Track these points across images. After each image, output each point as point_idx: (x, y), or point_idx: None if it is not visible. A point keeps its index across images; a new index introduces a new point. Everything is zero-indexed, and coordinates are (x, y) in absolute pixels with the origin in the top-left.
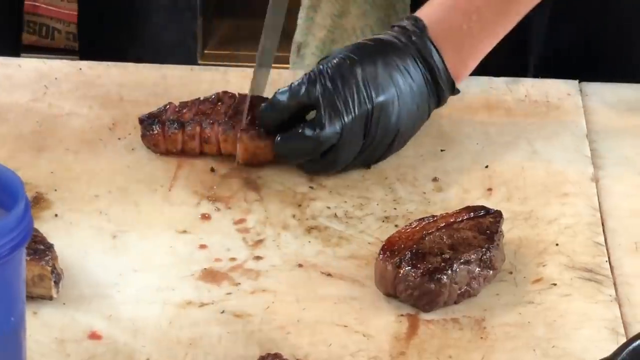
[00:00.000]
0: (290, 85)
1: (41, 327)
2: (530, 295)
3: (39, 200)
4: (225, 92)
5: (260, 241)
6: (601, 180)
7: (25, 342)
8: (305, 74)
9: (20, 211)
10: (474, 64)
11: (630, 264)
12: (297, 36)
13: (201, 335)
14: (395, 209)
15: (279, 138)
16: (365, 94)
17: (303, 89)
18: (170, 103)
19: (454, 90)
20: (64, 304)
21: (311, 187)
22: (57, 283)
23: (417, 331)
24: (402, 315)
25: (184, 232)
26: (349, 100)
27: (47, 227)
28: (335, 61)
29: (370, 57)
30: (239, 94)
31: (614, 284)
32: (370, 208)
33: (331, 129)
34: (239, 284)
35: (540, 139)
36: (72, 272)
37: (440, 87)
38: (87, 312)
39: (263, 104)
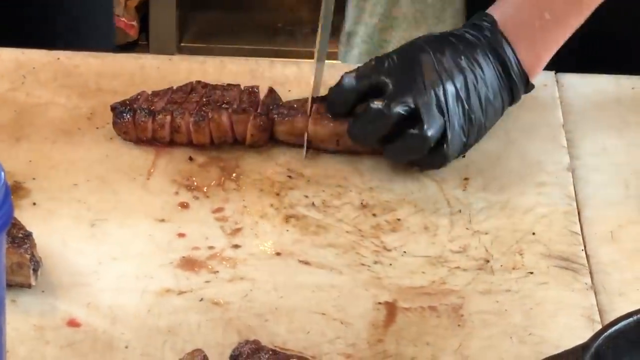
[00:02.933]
0: (358, 67)
1: (20, 314)
2: (507, 284)
3: (17, 189)
4: (198, 82)
5: (238, 230)
6: (577, 170)
7: (4, 329)
8: (372, 58)
9: None
10: (547, 57)
11: (606, 253)
12: (347, 26)
13: (180, 322)
14: (372, 197)
15: (350, 123)
16: (433, 77)
17: (371, 70)
18: (143, 91)
19: (528, 86)
20: (42, 291)
21: (289, 177)
22: (35, 271)
23: (395, 319)
24: (380, 303)
25: (163, 220)
26: (418, 80)
27: (25, 215)
28: (402, 48)
29: (439, 45)
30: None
31: (590, 272)
32: (348, 197)
33: (402, 101)
34: (217, 272)
35: (517, 129)
36: (50, 260)
37: (513, 81)
38: (65, 300)
39: (331, 88)
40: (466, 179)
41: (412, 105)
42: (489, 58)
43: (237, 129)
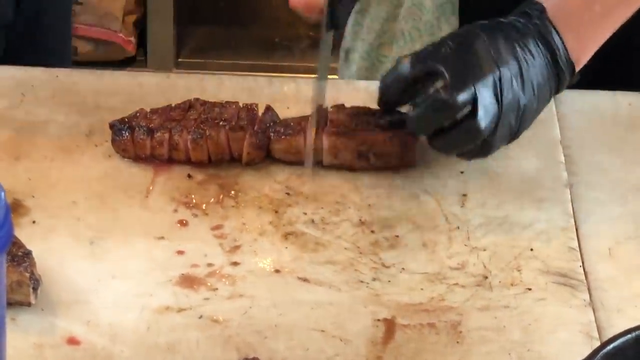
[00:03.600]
0: (414, 52)
1: (20, 333)
2: (505, 300)
3: (16, 207)
4: (196, 99)
5: (237, 247)
6: (575, 186)
7: (5, 347)
8: (429, 44)
9: (0, 217)
10: (594, 48)
11: (604, 269)
12: (345, 42)
13: (179, 340)
14: (371, 214)
15: (411, 113)
16: (490, 64)
17: (427, 56)
18: (141, 109)
19: (574, 75)
20: (42, 309)
21: (288, 194)
22: (35, 289)
23: (394, 336)
24: (378, 320)
25: (162, 238)
26: (474, 65)
27: (25, 233)
28: (456, 34)
29: (492, 32)
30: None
31: (588, 288)
32: (347, 214)
33: (464, 92)
34: (217, 289)
35: (515, 145)
36: (50, 278)
37: (560, 69)
38: (65, 318)
39: (384, 74)
40: (464, 195)
41: (474, 94)
42: (539, 46)
43: (233, 146)
